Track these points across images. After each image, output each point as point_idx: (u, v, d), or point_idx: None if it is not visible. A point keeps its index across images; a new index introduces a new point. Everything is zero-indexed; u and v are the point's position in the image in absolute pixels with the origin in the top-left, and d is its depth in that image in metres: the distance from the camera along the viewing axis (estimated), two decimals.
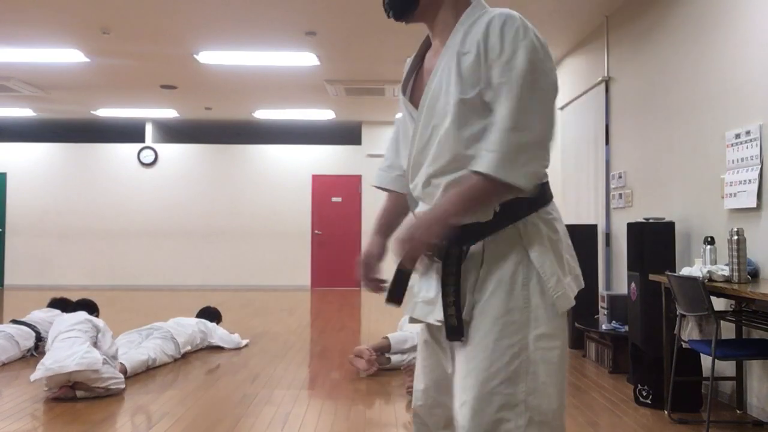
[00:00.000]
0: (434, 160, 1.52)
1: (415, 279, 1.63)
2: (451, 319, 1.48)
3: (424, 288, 1.58)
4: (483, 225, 1.48)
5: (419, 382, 1.67)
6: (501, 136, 1.40)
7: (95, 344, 4.19)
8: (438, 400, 1.62)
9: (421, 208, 1.61)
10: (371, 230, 1.85)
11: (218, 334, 5.60)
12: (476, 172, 1.42)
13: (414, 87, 1.65)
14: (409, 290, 1.63)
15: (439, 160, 1.51)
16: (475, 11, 1.54)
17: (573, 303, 1.52)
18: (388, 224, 1.82)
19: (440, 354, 1.61)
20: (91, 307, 5.28)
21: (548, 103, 1.44)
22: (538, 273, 1.47)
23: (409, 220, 1.72)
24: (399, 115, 1.72)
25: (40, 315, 5.46)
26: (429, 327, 1.63)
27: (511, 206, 1.47)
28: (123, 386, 4.14)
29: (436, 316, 1.51)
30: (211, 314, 5.92)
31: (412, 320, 1.62)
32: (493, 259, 1.48)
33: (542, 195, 1.52)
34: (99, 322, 4.43)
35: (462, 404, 1.46)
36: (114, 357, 4.33)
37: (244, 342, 5.75)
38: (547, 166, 1.46)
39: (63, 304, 5.61)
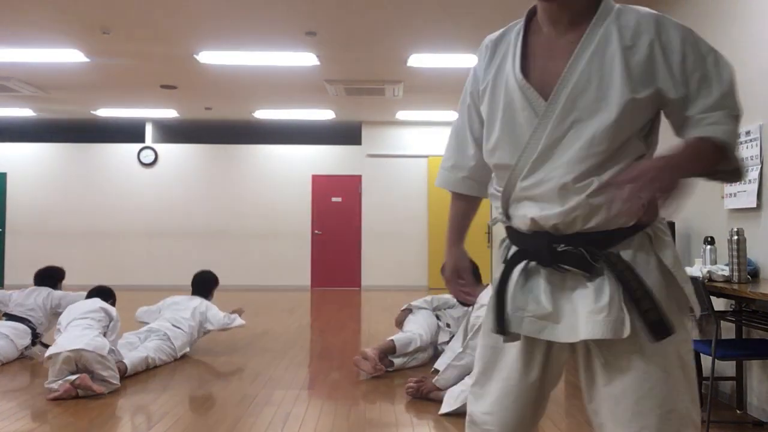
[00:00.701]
0: (580, 160, 1.39)
1: (513, 293, 1.48)
2: (652, 313, 1.35)
3: (543, 300, 1.45)
4: (624, 231, 1.41)
5: (497, 416, 1.53)
6: (726, 114, 1.38)
7: (104, 334, 4.32)
8: (506, 413, 1.53)
9: (529, 209, 1.46)
10: (447, 242, 1.72)
11: (214, 320, 5.35)
12: (711, 138, 1.36)
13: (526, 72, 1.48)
14: (489, 303, 1.53)
15: (589, 159, 1.38)
16: (608, 3, 1.48)
17: (697, 309, 1.47)
18: (460, 231, 1.72)
19: (531, 379, 1.51)
20: (106, 294, 5.00)
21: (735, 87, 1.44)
22: (675, 279, 1.43)
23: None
24: (465, 103, 1.62)
25: (28, 301, 5.25)
26: (535, 346, 1.50)
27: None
28: (118, 384, 4.18)
29: (604, 325, 1.36)
30: (206, 284, 5.68)
31: (509, 339, 1.49)
32: (640, 267, 1.39)
33: None
34: (112, 311, 4.53)
35: (642, 428, 1.38)
36: (117, 351, 4.43)
37: (240, 322, 5.52)
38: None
39: (51, 280, 5.53)
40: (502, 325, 1.46)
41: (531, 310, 1.44)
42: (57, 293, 5.40)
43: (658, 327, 1.35)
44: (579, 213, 1.39)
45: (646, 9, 1.47)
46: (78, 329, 4.18)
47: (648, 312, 1.35)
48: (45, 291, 5.36)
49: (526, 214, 1.46)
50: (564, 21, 1.46)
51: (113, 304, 4.91)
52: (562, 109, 1.40)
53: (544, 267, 1.45)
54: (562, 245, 1.41)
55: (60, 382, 3.97)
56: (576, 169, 1.39)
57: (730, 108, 1.39)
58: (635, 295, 1.36)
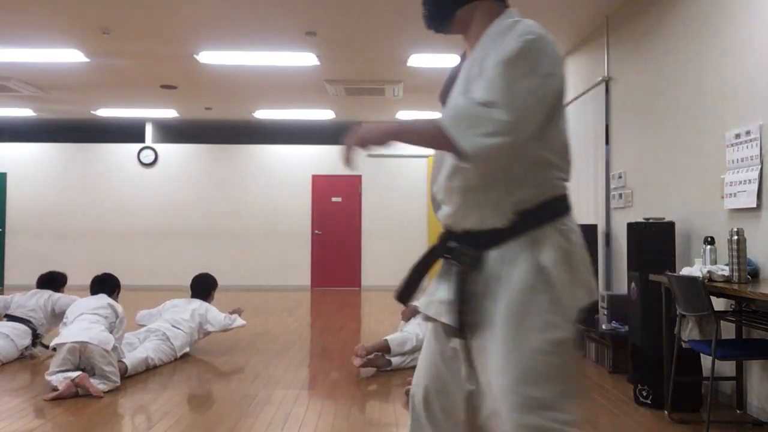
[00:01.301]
0: (448, 165, 1.58)
1: (433, 279, 1.68)
2: (463, 317, 1.54)
3: (441, 289, 1.63)
4: (500, 231, 1.54)
5: (420, 378, 1.71)
6: (466, 102, 1.48)
7: (111, 330, 4.39)
8: (438, 395, 1.67)
9: (444, 211, 1.65)
10: None
11: (214, 321, 5.37)
12: (437, 120, 1.48)
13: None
14: (426, 289, 1.69)
15: (449, 164, 1.57)
16: (501, 22, 1.60)
17: (580, 312, 1.54)
18: None
19: (448, 353, 1.65)
20: (110, 285, 4.93)
21: (531, 95, 1.45)
22: (549, 280, 1.50)
23: None
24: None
25: (30, 302, 5.27)
26: (440, 326, 1.66)
27: (526, 215, 1.52)
28: (118, 381, 4.21)
29: (448, 316, 1.57)
30: (205, 286, 5.69)
31: (427, 318, 1.68)
32: (506, 266, 1.52)
33: (558, 206, 1.56)
34: (119, 308, 4.58)
35: (499, 408, 1.51)
36: (120, 350, 4.47)
37: (240, 322, 5.52)
38: (504, 149, 1.45)
39: (53, 284, 5.54)
40: (404, 294, 1.71)
41: (436, 296, 1.64)
42: (58, 295, 5.42)
43: (456, 331, 1.56)
44: (460, 213, 1.59)
45: (515, 19, 1.58)
46: (85, 323, 4.26)
47: (462, 316, 1.54)
48: (46, 293, 5.40)
49: (437, 214, 1.70)
50: (470, 45, 1.71)
51: (118, 292, 4.96)
52: None
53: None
54: (453, 242, 1.62)
55: (61, 379, 4.00)
56: (445, 174, 1.59)
57: (472, 96, 1.48)
58: (459, 302, 1.55)
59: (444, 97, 1.75)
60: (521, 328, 1.48)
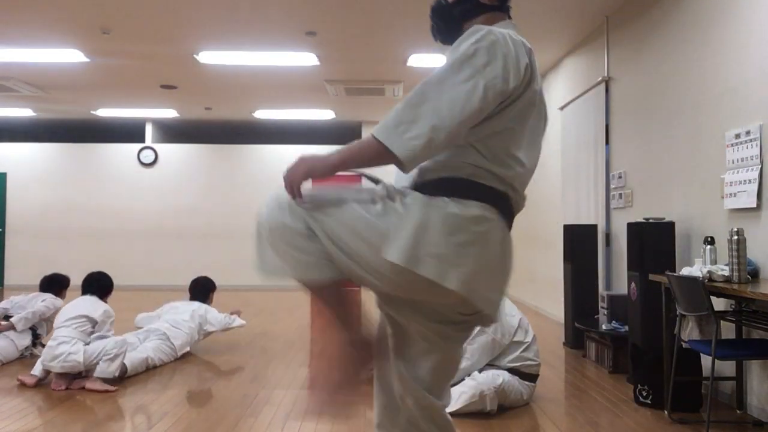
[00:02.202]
0: None
1: None
2: None
3: None
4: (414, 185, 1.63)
5: None
6: (397, 107, 1.50)
7: (92, 332, 4.40)
8: None
9: None
10: None
11: (214, 321, 5.40)
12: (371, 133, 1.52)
13: None
14: None
15: None
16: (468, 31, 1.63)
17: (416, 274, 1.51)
18: None
19: None
20: (97, 286, 4.85)
21: (457, 92, 1.48)
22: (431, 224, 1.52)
23: None
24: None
25: (30, 304, 5.26)
26: None
27: (426, 184, 1.60)
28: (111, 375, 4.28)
29: None
30: (204, 289, 5.69)
31: None
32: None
33: (465, 186, 1.57)
34: (96, 314, 4.45)
35: None
36: (115, 341, 4.41)
37: (240, 322, 5.57)
38: (429, 146, 1.48)
39: (55, 287, 5.53)
40: None
41: None
42: (57, 302, 5.38)
43: None
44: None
45: (472, 29, 1.59)
46: (55, 342, 4.23)
47: None
48: (46, 296, 5.40)
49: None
50: None
51: (108, 290, 4.82)
52: None
53: None
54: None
55: (40, 368, 4.28)
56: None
57: (404, 102, 1.51)
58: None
59: None
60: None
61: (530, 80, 1.58)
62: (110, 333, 4.49)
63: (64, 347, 4.19)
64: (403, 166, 1.49)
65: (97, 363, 4.20)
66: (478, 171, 1.57)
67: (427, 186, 1.58)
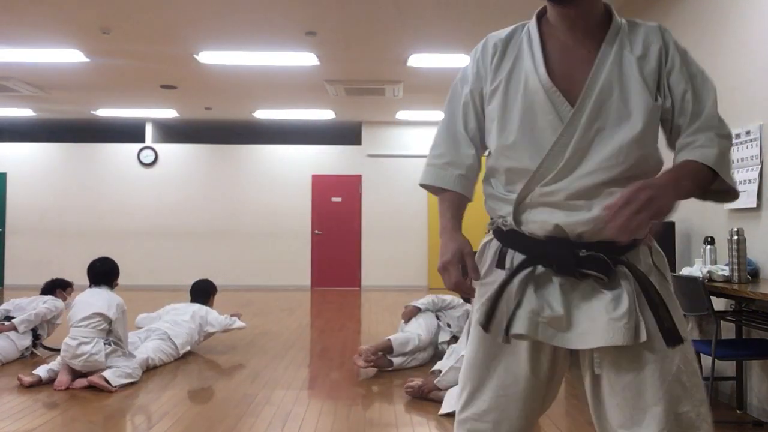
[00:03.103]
0: (610, 167, 1.40)
1: (526, 296, 1.45)
2: (667, 321, 1.39)
3: (555, 303, 1.44)
4: (634, 240, 1.44)
5: (484, 397, 1.55)
6: (714, 137, 1.42)
7: (109, 330, 4.40)
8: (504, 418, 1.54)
9: (552, 215, 1.43)
10: (446, 231, 1.56)
11: (215, 322, 5.41)
12: (697, 162, 1.38)
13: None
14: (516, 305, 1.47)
15: (619, 166, 1.40)
16: (622, 18, 1.56)
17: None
18: (458, 220, 1.59)
19: (541, 377, 1.55)
20: (107, 276, 4.78)
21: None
22: (670, 290, 1.48)
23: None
24: (461, 101, 1.58)
25: (30, 306, 5.30)
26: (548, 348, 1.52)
27: None
28: (134, 375, 4.39)
29: (623, 333, 1.38)
30: (204, 292, 5.71)
31: (527, 338, 1.46)
32: (653, 275, 1.46)
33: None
34: (111, 311, 4.39)
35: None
36: (122, 339, 4.48)
37: (240, 324, 5.55)
38: None
39: (59, 287, 5.55)
40: (497, 327, 1.47)
41: (545, 315, 1.42)
42: (59, 304, 5.39)
43: (672, 334, 1.39)
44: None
45: (648, 22, 1.53)
46: (75, 342, 4.24)
47: (664, 319, 1.39)
48: (48, 298, 5.41)
49: (547, 220, 1.43)
50: (581, 28, 1.49)
51: (114, 275, 4.78)
52: (588, 116, 1.41)
53: (559, 273, 1.44)
54: (584, 250, 1.41)
55: (46, 369, 4.32)
56: (602, 178, 1.40)
57: (716, 128, 1.43)
58: (652, 302, 1.39)
59: (550, 71, 1.47)
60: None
61: None
62: (127, 333, 4.51)
63: (86, 347, 4.22)
64: (736, 197, 1.48)
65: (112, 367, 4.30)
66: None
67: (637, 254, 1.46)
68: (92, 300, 4.46)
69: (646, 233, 1.48)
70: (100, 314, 4.37)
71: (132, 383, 4.34)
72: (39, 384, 4.28)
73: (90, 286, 4.64)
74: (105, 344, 4.34)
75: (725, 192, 1.46)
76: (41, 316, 5.18)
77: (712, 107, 1.44)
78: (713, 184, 1.43)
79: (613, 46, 1.46)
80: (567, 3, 1.47)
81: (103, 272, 4.70)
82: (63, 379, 4.23)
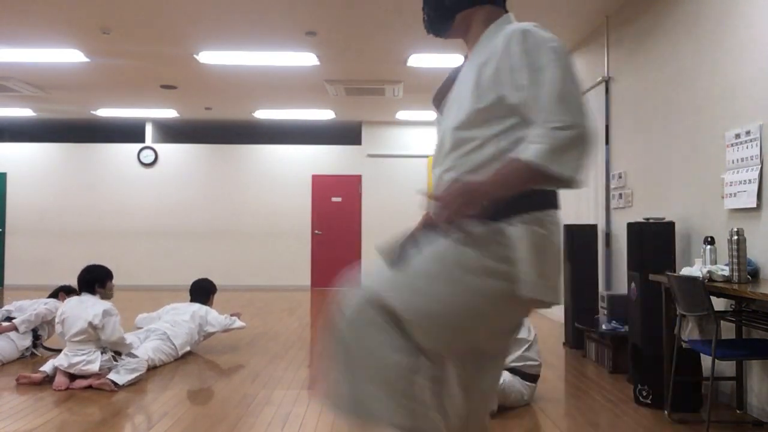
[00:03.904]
0: (444, 159, 1.67)
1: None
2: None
3: None
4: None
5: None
6: (546, 131, 1.49)
7: (98, 337, 4.37)
8: None
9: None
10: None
11: (214, 322, 5.41)
12: (521, 160, 1.50)
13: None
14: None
15: (448, 159, 1.66)
16: (499, 26, 1.66)
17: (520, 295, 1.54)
18: None
19: None
20: (90, 283, 4.66)
21: (580, 99, 1.53)
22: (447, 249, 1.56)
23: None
24: None
25: (32, 307, 5.31)
26: None
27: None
28: (140, 369, 4.44)
29: None
30: (204, 291, 5.69)
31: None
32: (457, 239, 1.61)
33: (544, 198, 1.60)
34: (97, 319, 4.32)
35: None
36: (117, 343, 4.43)
37: (240, 324, 5.54)
38: (588, 158, 1.53)
39: (63, 291, 5.57)
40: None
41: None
42: (60, 305, 5.38)
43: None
44: None
45: (514, 25, 1.61)
46: (71, 353, 4.30)
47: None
48: (50, 301, 5.42)
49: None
50: (469, 48, 1.75)
51: (101, 280, 4.64)
52: (437, 120, 1.76)
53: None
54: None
55: (51, 366, 4.34)
56: (444, 165, 1.67)
57: (552, 121, 1.50)
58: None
59: (438, 101, 1.80)
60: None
61: None
62: (121, 333, 4.47)
63: (80, 358, 4.27)
64: (576, 185, 1.53)
65: (112, 369, 4.31)
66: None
67: (502, 209, 1.55)
68: (80, 311, 4.38)
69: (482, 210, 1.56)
70: (89, 324, 4.33)
71: (139, 378, 4.39)
72: (47, 380, 4.31)
73: (80, 293, 4.64)
74: (102, 353, 4.33)
75: (562, 183, 1.53)
76: (41, 317, 5.19)
77: (550, 99, 1.50)
78: (540, 180, 1.51)
79: (473, 59, 1.67)
80: (438, 36, 1.80)
81: (88, 280, 4.63)
82: (62, 380, 4.23)
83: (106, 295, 4.65)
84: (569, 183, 1.52)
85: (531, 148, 1.50)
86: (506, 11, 1.76)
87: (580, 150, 1.50)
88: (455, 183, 1.53)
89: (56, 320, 4.51)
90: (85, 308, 4.39)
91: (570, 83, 1.52)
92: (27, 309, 5.29)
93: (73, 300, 4.53)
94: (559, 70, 1.51)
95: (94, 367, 4.25)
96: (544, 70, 1.52)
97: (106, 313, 4.37)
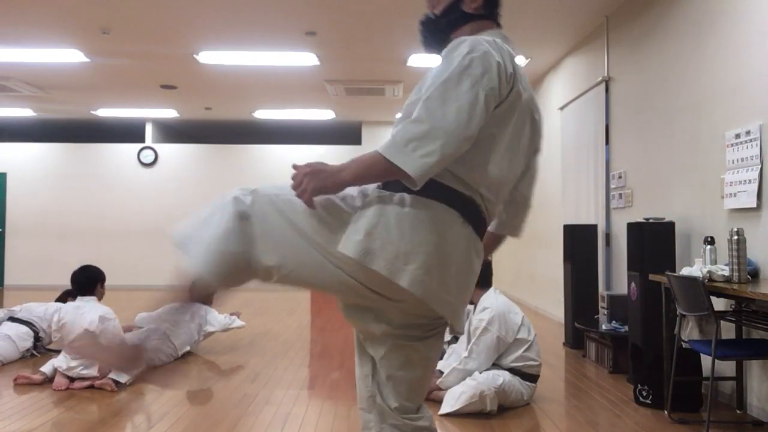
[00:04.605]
0: None
1: None
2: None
3: None
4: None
5: None
6: (402, 125, 1.51)
7: None
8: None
9: None
10: None
11: (214, 321, 5.45)
12: (377, 150, 1.52)
13: None
14: None
15: None
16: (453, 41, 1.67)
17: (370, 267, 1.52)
18: None
19: None
20: (85, 286, 4.62)
21: (459, 104, 1.48)
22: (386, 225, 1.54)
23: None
24: None
25: (39, 309, 5.35)
26: None
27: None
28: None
29: None
30: (91, 282, 5.67)
31: None
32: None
33: (429, 189, 1.55)
34: (93, 325, 4.30)
35: None
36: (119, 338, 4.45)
37: (240, 323, 5.57)
38: (442, 161, 1.47)
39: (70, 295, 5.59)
40: None
41: None
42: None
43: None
44: None
45: (458, 39, 1.60)
46: (70, 356, 4.30)
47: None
48: (56, 305, 5.40)
49: None
50: None
51: (95, 282, 4.60)
52: None
53: None
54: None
55: (50, 368, 4.34)
56: None
57: (411, 115, 1.51)
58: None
59: None
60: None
61: (512, 86, 1.60)
62: (121, 336, 4.47)
63: (79, 362, 4.26)
64: (414, 183, 1.48)
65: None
66: (443, 173, 1.55)
67: (391, 183, 1.58)
68: (76, 319, 4.35)
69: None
70: (86, 330, 4.31)
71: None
72: (47, 381, 4.30)
73: (76, 296, 4.59)
74: None
75: (411, 176, 1.49)
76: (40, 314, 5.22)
77: (422, 98, 1.51)
78: (396, 173, 1.51)
79: None
80: (430, 53, 1.85)
81: (88, 279, 4.58)
82: (62, 380, 4.23)
83: (101, 295, 4.67)
84: (411, 179, 1.47)
85: (385, 141, 1.53)
86: (498, 25, 1.76)
87: (429, 148, 1.45)
88: (308, 164, 1.58)
89: (53, 327, 4.50)
90: (82, 314, 4.35)
91: (452, 85, 1.50)
92: (35, 311, 5.33)
93: (69, 306, 4.49)
94: (446, 72, 1.51)
95: (93, 372, 4.26)
96: (435, 72, 1.54)
97: (102, 319, 4.34)
